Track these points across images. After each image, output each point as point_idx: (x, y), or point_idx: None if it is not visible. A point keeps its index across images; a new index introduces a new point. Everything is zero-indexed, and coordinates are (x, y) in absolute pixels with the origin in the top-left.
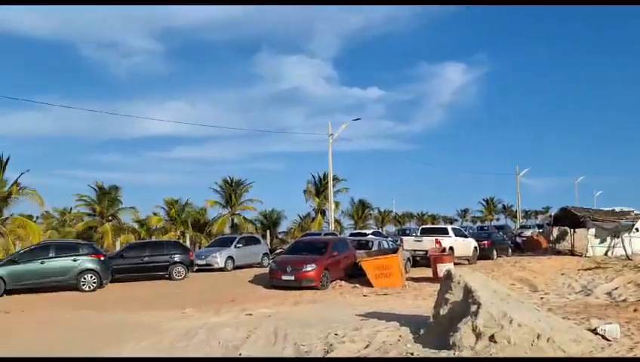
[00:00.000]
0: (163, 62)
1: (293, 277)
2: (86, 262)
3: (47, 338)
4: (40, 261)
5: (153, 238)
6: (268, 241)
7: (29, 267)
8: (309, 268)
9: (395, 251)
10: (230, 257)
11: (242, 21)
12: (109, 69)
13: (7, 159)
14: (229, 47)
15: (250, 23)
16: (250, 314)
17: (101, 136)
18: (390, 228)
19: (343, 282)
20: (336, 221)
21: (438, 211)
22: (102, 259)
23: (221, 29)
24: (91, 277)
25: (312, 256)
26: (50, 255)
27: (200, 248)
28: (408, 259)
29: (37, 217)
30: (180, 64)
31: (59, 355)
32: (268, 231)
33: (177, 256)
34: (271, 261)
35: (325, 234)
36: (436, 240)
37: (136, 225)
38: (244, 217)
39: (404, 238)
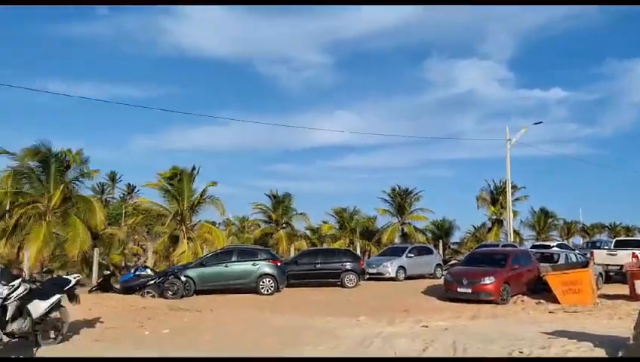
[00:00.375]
0: (332, 74)
1: (469, 290)
2: (264, 266)
3: (233, 337)
4: (224, 264)
5: (324, 246)
6: (440, 252)
7: (215, 269)
8: (487, 280)
9: (585, 265)
10: (402, 267)
11: (411, 27)
12: (282, 83)
13: (198, 170)
14: (397, 54)
15: (419, 29)
16: (426, 326)
17: (276, 146)
18: (577, 240)
19: (525, 297)
20: (515, 232)
21: (634, 222)
22: (278, 264)
23: (389, 37)
24: (269, 281)
25: (490, 268)
26: (233, 259)
27: (369, 257)
28: (600, 274)
29: (219, 224)
30: (349, 74)
31: (245, 354)
32: (440, 241)
33: (349, 263)
34: (445, 272)
35: (504, 246)
36: (633, 253)
37: (308, 233)
38: (414, 226)
39: (595, 252)
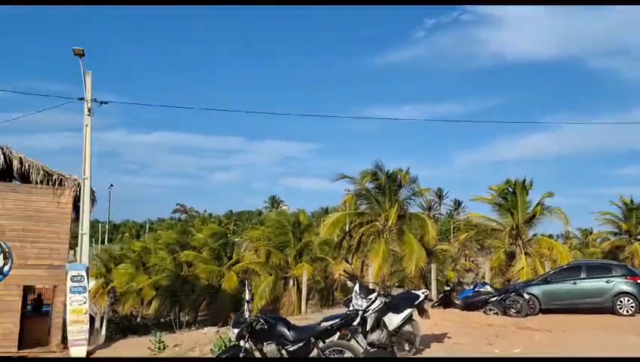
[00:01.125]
0: None
1: None
2: (621, 284)
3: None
4: (572, 282)
5: None
6: None
7: (561, 287)
8: None
9: None
10: None
11: None
12: (621, 75)
13: (531, 182)
14: None
15: None
16: None
17: (617, 148)
18: None
19: None
20: None
21: None
22: (639, 281)
23: None
24: (628, 300)
25: None
26: (582, 276)
27: None
28: None
29: (557, 237)
30: None
31: None
32: None
33: None
34: None
35: None
36: None
37: None
38: None
39: None
